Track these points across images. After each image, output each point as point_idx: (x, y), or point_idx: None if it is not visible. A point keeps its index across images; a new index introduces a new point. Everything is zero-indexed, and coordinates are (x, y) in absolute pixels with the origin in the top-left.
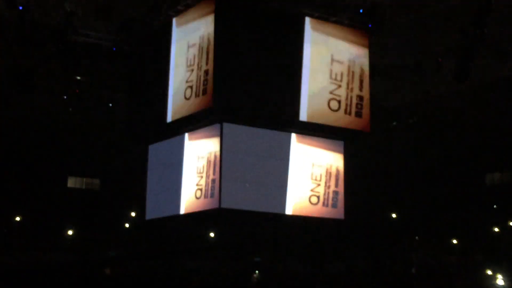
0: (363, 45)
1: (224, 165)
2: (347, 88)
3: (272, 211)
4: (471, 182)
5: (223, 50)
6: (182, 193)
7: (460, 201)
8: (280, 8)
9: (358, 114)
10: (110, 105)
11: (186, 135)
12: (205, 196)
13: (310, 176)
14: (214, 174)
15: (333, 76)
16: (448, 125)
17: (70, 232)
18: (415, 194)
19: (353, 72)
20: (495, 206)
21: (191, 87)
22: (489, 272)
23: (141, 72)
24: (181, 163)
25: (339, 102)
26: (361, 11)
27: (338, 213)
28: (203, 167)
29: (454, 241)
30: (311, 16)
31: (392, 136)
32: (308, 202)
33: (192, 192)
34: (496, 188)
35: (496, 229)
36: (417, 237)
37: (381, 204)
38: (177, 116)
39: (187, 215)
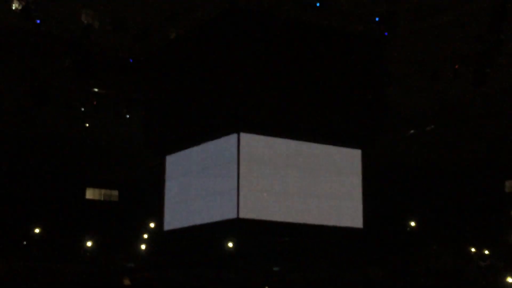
0: None
1: (241, 174)
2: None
3: (290, 221)
4: (490, 189)
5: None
6: (201, 203)
7: (479, 208)
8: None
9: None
10: (128, 116)
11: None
12: (223, 206)
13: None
14: (231, 183)
15: None
16: (467, 132)
17: (89, 244)
18: (433, 201)
19: None
20: None
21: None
22: (510, 280)
23: (158, 83)
24: (200, 173)
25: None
26: (377, 19)
27: (356, 222)
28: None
29: (473, 249)
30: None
31: (409, 144)
32: (326, 210)
33: (210, 201)
34: None
35: None
36: (435, 246)
37: (399, 212)
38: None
39: (205, 225)
